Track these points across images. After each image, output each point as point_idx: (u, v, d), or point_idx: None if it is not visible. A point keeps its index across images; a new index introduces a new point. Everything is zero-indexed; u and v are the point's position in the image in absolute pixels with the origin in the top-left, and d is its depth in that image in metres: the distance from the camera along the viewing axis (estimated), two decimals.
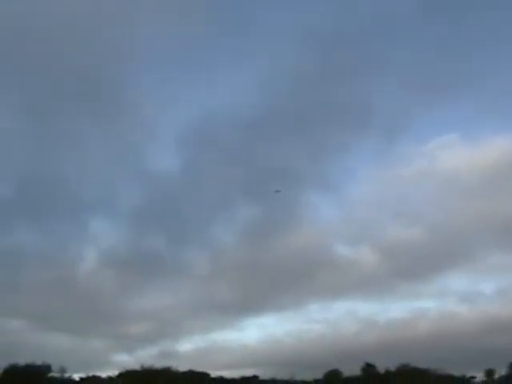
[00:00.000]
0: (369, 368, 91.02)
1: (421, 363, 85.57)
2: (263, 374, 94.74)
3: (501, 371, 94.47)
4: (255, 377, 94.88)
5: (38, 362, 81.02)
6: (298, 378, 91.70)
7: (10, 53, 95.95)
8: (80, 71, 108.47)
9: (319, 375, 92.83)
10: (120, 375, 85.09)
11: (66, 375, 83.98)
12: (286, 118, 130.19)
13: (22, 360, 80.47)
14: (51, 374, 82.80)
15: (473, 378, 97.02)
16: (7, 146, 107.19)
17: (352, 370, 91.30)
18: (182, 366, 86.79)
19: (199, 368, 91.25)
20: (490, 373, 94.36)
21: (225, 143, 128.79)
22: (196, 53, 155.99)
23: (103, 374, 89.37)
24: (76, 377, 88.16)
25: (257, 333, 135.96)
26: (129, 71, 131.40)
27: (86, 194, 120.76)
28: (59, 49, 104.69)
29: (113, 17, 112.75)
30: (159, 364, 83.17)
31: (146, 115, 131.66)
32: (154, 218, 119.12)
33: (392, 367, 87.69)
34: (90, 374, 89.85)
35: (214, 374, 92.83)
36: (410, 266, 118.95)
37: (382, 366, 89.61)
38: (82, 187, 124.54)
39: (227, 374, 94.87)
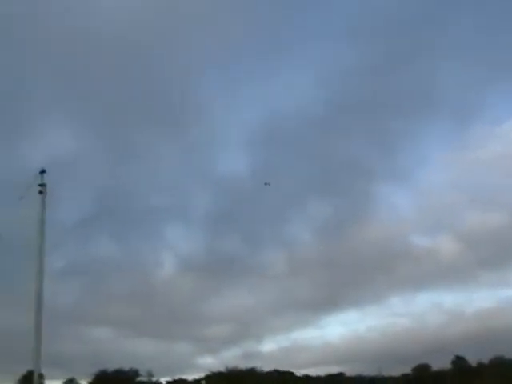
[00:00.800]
0: (459, 361, 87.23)
1: None
2: (349, 371, 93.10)
3: None
4: (341, 374, 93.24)
5: (126, 367, 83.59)
6: (386, 373, 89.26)
7: (86, 65, 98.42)
8: (147, 79, 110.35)
9: (407, 370, 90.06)
10: (206, 377, 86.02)
11: (154, 379, 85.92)
12: (353, 110, 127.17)
13: (111, 366, 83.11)
14: (139, 379, 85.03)
15: None
16: (85, 162, 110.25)
17: (441, 363, 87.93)
18: (267, 366, 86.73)
19: (283, 367, 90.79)
20: None
21: (293, 141, 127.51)
22: (258, 51, 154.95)
23: (189, 377, 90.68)
24: (163, 380, 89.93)
25: (339, 329, 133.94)
26: (193, 74, 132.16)
27: (160, 202, 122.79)
28: (127, 61, 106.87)
29: (176, 18, 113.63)
30: (243, 365, 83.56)
31: (212, 118, 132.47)
32: (228, 220, 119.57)
33: (485, 360, 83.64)
34: (177, 377, 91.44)
35: (298, 372, 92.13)
36: (493, 253, 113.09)
37: (473, 359, 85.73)
38: (156, 196, 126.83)
39: (311, 372, 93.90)
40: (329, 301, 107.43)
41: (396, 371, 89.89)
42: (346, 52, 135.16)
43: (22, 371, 68.71)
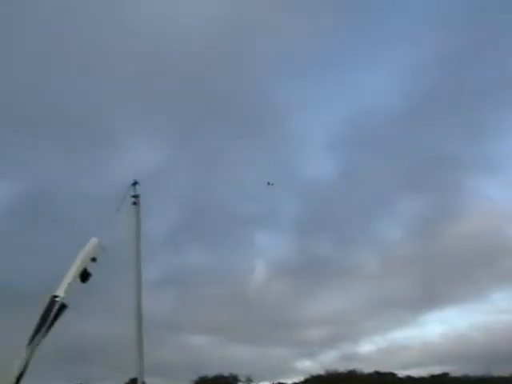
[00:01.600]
0: None
1: None
2: (453, 372, 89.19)
3: None
4: (445, 374, 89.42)
5: (225, 373, 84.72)
6: (494, 373, 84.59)
7: (171, 78, 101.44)
8: (229, 88, 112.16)
9: None
10: (306, 381, 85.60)
11: None
12: (438, 103, 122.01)
13: (211, 372, 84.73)
14: None
15: None
16: (174, 173, 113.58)
17: None
18: (366, 368, 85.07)
19: (383, 369, 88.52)
20: None
21: (378, 138, 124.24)
22: (335, 50, 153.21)
23: (289, 381, 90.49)
24: None
25: (439, 328, 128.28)
26: (269, 76, 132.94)
27: (248, 209, 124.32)
28: (209, 71, 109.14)
29: (252, 25, 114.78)
30: (343, 367, 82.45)
31: (294, 123, 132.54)
32: (318, 222, 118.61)
33: None
34: (276, 382, 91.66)
35: (400, 374, 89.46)
36: None
37: None
38: (244, 203, 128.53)
39: (413, 372, 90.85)
40: (426, 299, 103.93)
41: (505, 371, 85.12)
42: (429, 42, 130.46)
43: (125, 379, 71.86)
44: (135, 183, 13.72)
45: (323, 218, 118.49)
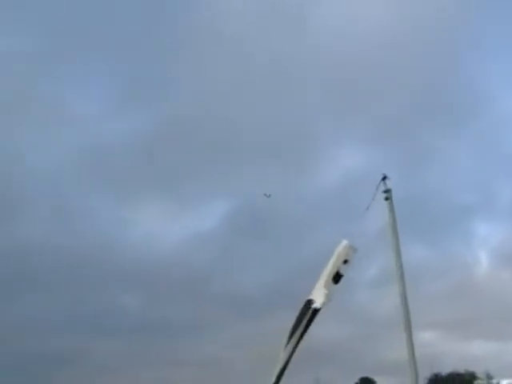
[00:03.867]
0: None
1: None
2: None
3: None
4: None
5: (461, 370, 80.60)
6: None
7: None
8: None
9: None
10: None
11: (494, 381, 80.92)
12: None
13: (444, 369, 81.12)
14: (477, 381, 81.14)
15: None
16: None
17: None
18: None
19: None
20: None
21: None
22: None
23: None
24: (504, 382, 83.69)
25: None
26: (474, 62, 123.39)
27: (465, 199, 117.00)
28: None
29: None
30: None
31: (500, 108, 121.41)
32: None
33: None
34: None
35: None
36: None
37: None
38: (460, 194, 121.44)
39: None
40: None
41: None
42: None
43: (355, 380, 72.10)
44: (384, 178, 12.94)
45: None
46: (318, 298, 13.54)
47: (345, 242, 13.45)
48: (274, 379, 13.91)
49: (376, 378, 74.23)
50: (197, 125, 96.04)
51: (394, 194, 12.79)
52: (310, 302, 13.65)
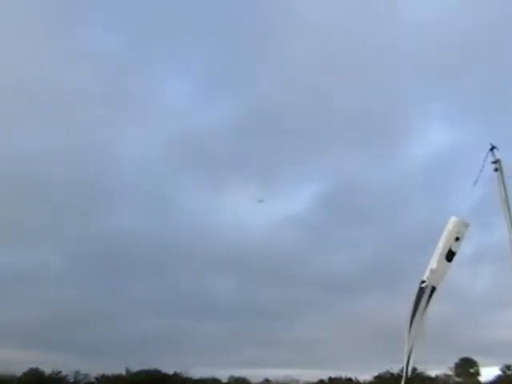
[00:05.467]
0: None
1: None
2: None
3: None
4: None
5: None
6: None
7: None
8: None
9: None
10: None
11: None
12: None
13: None
14: None
15: None
16: None
17: None
18: None
19: None
20: None
21: None
22: None
23: None
24: None
25: None
26: None
27: None
28: None
29: None
30: None
31: None
32: None
33: None
34: None
35: None
36: None
37: None
38: None
39: None
40: None
41: None
42: None
43: (454, 360, 69.77)
44: (493, 148, 12.45)
45: None
46: (433, 277, 13.33)
47: (454, 219, 13.08)
48: (404, 363, 13.79)
49: (476, 358, 71.52)
50: (284, 110, 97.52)
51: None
52: (424, 282, 13.46)
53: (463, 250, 13.63)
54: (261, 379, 70.48)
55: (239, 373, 69.09)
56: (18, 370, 61.32)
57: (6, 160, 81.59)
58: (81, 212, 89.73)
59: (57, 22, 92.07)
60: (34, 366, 61.20)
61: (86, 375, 61.14)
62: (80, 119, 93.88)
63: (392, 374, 59.84)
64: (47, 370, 60.63)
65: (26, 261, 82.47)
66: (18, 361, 64.22)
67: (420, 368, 55.75)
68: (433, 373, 65.74)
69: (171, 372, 61.68)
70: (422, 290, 13.69)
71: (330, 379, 68.08)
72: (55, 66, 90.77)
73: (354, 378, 67.88)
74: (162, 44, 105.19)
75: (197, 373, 62.95)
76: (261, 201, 70.71)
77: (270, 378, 70.92)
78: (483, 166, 12.27)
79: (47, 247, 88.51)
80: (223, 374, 68.36)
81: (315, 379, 68.32)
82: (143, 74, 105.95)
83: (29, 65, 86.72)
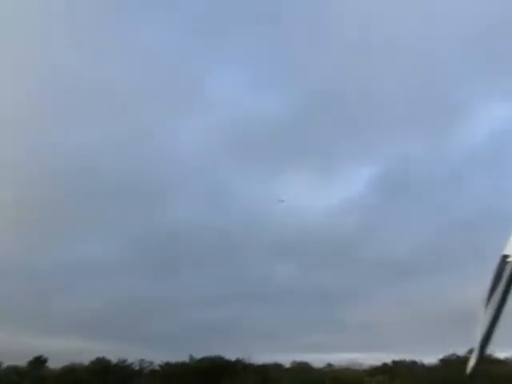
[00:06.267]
0: None
1: None
2: None
3: None
4: None
5: None
6: None
7: None
8: None
9: None
10: None
11: None
12: None
13: None
14: None
15: None
16: None
17: None
18: None
19: None
20: None
21: None
22: None
23: None
24: None
25: None
26: None
27: None
28: None
29: None
30: None
31: None
32: None
33: None
34: None
35: None
36: None
37: None
38: None
39: None
40: None
41: None
42: None
43: None
44: None
45: None
46: None
47: None
48: (479, 343, 12.93)
49: None
50: (337, 95, 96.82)
51: None
52: (506, 257, 12.51)
53: None
54: (324, 364, 70.13)
55: (302, 358, 68.92)
56: (86, 359, 63.31)
57: (70, 154, 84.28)
58: (142, 203, 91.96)
59: (108, 22, 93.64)
60: (100, 355, 63.02)
61: (151, 363, 62.41)
62: (135, 113, 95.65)
63: (458, 357, 58.15)
64: (113, 358, 62.28)
65: (91, 252, 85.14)
66: (86, 350, 66.32)
67: (488, 350, 53.87)
68: (502, 355, 63.59)
69: (234, 358, 62.03)
70: (503, 265, 12.68)
71: (394, 362, 66.89)
72: (109, 63, 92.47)
73: (418, 361, 66.48)
74: (215, 34, 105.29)
75: (259, 358, 63.19)
76: (282, 201, 74.49)
77: (333, 362, 70.47)
78: None
79: (111, 238, 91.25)
80: (286, 359, 68.44)
81: (379, 363, 67.29)
82: (194, 65, 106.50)
83: (82, 63, 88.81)
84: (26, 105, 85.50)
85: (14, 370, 60.32)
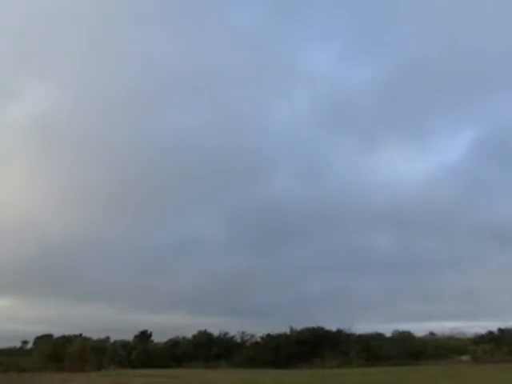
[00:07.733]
0: None
1: None
2: None
3: None
4: None
5: None
6: None
7: None
8: None
9: None
10: None
11: None
12: None
13: None
14: None
15: None
16: None
17: None
18: None
19: None
20: None
21: None
22: None
23: None
24: None
25: None
26: None
27: None
28: None
29: None
30: None
31: None
32: None
33: None
34: None
35: None
36: None
37: None
38: None
39: None
40: None
41: None
42: None
43: None
44: None
45: None
46: None
47: None
48: None
49: None
50: (428, 64, 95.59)
51: None
52: None
53: None
54: (425, 333, 68.79)
55: (403, 327, 67.89)
56: (189, 333, 64.80)
57: (173, 136, 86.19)
58: (243, 180, 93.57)
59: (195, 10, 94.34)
60: (202, 328, 64.20)
61: (252, 336, 62.97)
62: (235, 94, 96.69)
63: None
64: (215, 332, 63.33)
65: (195, 229, 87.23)
66: (188, 325, 67.98)
67: None
68: None
69: (334, 329, 61.59)
70: None
71: (500, 330, 64.32)
72: (209, 47, 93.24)
73: None
74: (305, 10, 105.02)
75: (360, 328, 62.60)
76: None
77: (435, 331, 68.94)
78: None
79: (214, 215, 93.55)
80: (387, 329, 67.72)
81: (483, 331, 65.02)
82: (287, 42, 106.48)
83: (175, 51, 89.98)
84: (134, 90, 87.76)
85: (122, 345, 62.41)
